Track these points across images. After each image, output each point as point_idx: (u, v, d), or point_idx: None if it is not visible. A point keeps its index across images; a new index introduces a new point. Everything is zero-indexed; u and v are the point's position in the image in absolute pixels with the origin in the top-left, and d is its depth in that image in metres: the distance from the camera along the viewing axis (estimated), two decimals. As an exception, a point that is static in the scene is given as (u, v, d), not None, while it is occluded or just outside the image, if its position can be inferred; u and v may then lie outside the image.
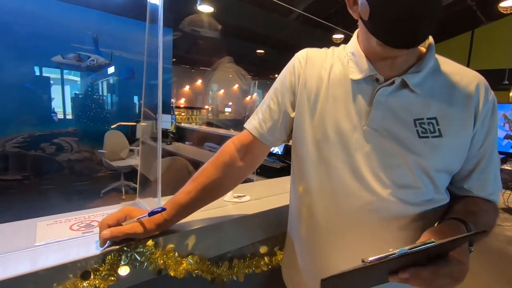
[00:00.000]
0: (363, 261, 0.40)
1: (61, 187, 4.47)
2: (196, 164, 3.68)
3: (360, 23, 0.60)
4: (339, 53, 0.67)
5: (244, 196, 1.05)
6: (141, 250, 0.64)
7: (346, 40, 0.70)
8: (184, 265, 0.71)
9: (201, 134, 4.94)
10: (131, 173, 4.23)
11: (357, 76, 0.61)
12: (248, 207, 0.99)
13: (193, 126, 6.19)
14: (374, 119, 0.59)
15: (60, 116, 4.73)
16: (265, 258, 0.93)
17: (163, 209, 0.62)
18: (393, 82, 0.58)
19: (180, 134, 5.13)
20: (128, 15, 4.66)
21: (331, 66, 0.65)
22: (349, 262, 0.43)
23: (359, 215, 0.59)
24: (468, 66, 0.62)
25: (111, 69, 5.10)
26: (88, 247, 0.63)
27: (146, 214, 0.61)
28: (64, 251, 0.61)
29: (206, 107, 10.39)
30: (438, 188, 0.59)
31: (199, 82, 10.56)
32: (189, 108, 8.81)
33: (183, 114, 8.25)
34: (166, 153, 4.00)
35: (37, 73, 4.38)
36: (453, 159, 0.58)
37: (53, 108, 4.62)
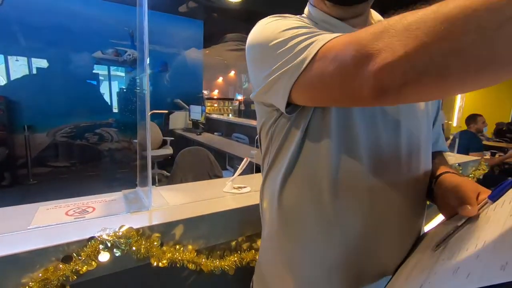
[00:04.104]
0: None
1: (103, 174, 4.87)
2: (223, 155, 3.73)
3: None
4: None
5: (244, 187, 1.03)
6: (124, 238, 0.65)
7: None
8: (169, 254, 0.71)
9: (230, 124, 4.99)
10: (163, 162, 4.44)
11: None
12: (248, 198, 0.96)
13: (222, 117, 6.28)
14: None
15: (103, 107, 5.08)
16: (262, 251, 0.90)
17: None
18: None
19: (210, 125, 5.23)
20: (160, 9, 4.80)
21: None
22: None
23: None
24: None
25: (146, 63, 5.34)
26: (73, 232, 0.65)
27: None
28: (50, 235, 0.64)
29: (239, 98, 10.46)
30: None
31: (232, 73, 10.63)
32: (222, 99, 8.92)
33: (215, 105, 8.38)
34: (195, 143, 4.12)
35: (85, 69, 4.73)
36: None
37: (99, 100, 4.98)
